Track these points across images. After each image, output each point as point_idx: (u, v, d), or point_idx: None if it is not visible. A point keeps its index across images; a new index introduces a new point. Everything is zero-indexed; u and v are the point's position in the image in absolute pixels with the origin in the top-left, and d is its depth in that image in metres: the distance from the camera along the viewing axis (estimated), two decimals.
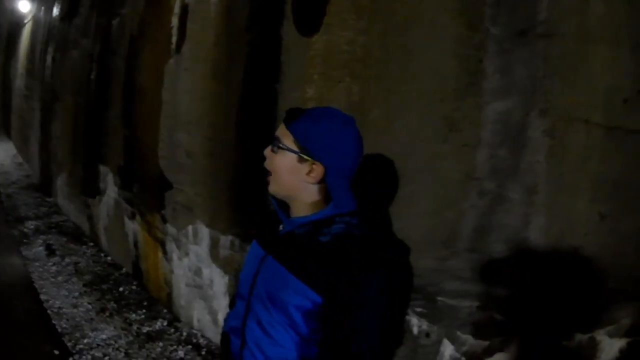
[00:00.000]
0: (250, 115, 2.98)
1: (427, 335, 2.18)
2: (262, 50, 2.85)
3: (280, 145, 1.41)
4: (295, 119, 1.42)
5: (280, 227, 1.54)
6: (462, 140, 1.97)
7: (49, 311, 4.46)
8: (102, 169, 5.56)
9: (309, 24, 2.50)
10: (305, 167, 1.40)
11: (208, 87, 3.35)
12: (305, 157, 1.39)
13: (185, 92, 3.65)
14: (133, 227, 4.86)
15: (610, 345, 1.95)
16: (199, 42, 3.49)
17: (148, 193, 4.40)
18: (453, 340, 2.12)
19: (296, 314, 1.39)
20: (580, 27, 1.77)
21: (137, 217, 4.71)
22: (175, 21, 3.83)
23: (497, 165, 1.91)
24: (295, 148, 1.40)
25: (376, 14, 2.22)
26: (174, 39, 3.83)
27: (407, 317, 2.23)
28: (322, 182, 1.42)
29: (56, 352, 3.80)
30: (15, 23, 14.33)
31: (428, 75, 2.06)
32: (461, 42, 1.96)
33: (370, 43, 2.24)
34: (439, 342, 2.15)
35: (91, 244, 6.20)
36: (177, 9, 3.81)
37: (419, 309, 2.20)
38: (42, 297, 4.76)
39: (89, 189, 6.02)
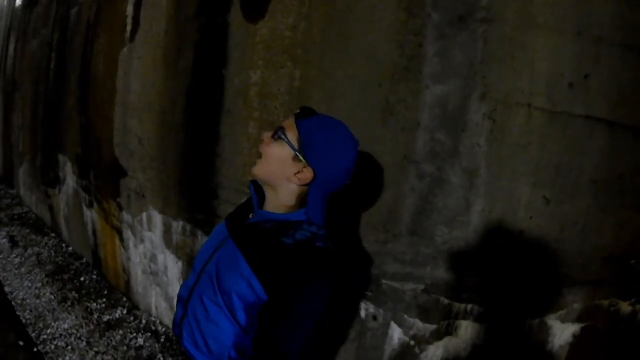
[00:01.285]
0: (198, 101, 2.94)
1: (374, 318, 2.17)
2: (210, 37, 2.80)
3: (282, 135, 1.41)
4: (307, 117, 1.42)
5: (250, 215, 1.57)
6: (400, 123, 1.95)
7: (13, 302, 4.43)
8: (61, 158, 5.46)
9: (254, 10, 2.46)
10: (295, 167, 1.40)
11: (158, 74, 3.30)
12: (300, 157, 1.38)
13: (137, 79, 3.58)
14: (91, 215, 4.80)
15: (561, 330, 1.95)
16: (151, 30, 3.43)
17: (104, 181, 4.34)
18: (400, 324, 2.11)
19: (237, 300, 1.41)
20: (522, 13, 1.75)
21: (95, 205, 4.65)
22: (130, 10, 3.76)
23: (436, 149, 1.90)
24: (295, 144, 1.39)
25: None
26: (128, 28, 3.76)
27: None
28: (304, 186, 1.42)
29: (21, 342, 3.77)
30: None
31: (366, 60, 2.03)
32: (400, 28, 1.93)
33: (311, 28, 2.21)
34: (386, 325, 2.14)
35: (53, 234, 6.14)
36: None
37: (365, 292, 2.19)
38: (6, 288, 4.72)
39: (49, 179, 5.91)
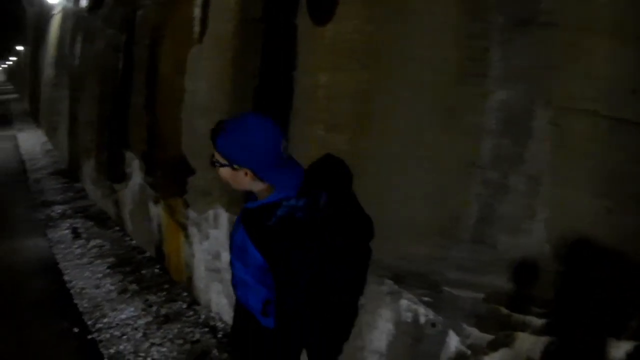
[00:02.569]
0: (267, 103, 3.01)
1: (433, 325, 2.20)
2: (277, 39, 2.88)
3: (216, 162, 1.72)
4: (216, 136, 1.68)
5: (249, 202, 1.87)
6: (464, 128, 1.97)
7: (71, 291, 4.59)
8: (128, 154, 5.63)
9: (321, 13, 2.53)
10: (240, 173, 1.70)
11: (227, 75, 3.39)
12: (235, 167, 1.68)
13: (206, 81, 3.69)
14: (157, 211, 4.92)
15: (617, 348, 1.86)
16: (218, 32, 3.53)
17: (171, 178, 4.43)
18: (458, 332, 2.12)
19: (255, 270, 1.78)
20: (584, 17, 1.73)
21: (161, 202, 4.76)
22: (197, 12, 3.87)
23: (500, 155, 1.91)
24: (225, 162, 1.70)
25: (380, 1, 2.24)
26: (196, 29, 3.87)
27: (415, 306, 2.25)
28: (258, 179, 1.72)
29: (75, 329, 3.91)
30: (43, 15, 14.61)
31: (430, 63, 2.06)
32: (463, 31, 1.96)
33: (375, 31, 2.25)
34: (444, 333, 2.17)
35: (117, 228, 6.28)
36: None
37: (425, 298, 2.21)
38: (65, 277, 4.90)
39: (115, 175, 6.09)
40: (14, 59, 45.34)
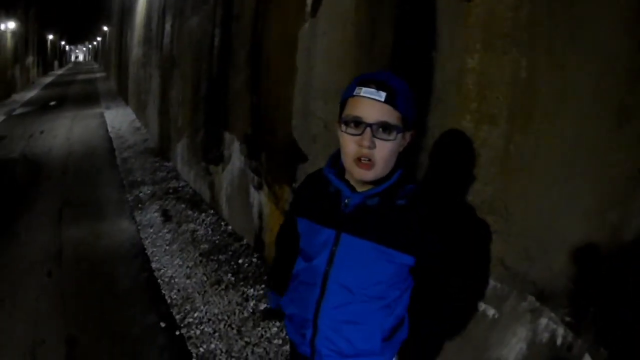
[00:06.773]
0: None
1: (569, 348, 2.04)
2: (412, 13, 2.71)
3: (394, 128, 1.44)
4: (392, 90, 1.42)
5: (346, 201, 1.56)
6: (636, 131, 1.77)
7: (159, 280, 4.58)
8: (227, 136, 5.66)
9: None
10: (402, 141, 1.50)
11: (350, 54, 3.27)
12: (406, 129, 1.49)
13: (323, 59, 3.62)
14: (259, 197, 4.88)
15: None
16: (337, 4, 3.44)
17: (278, 164, 4.40)
18: (594, 357, 1.95)
19: (389, 282, 1.55)
20: None
21: (264, 188, 4.72)
22: None
23: None
24: (401, 124, 1.45)
25: None
26: (308, 1, 3.81)
27: (554, 326, 2.10)
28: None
29: (162, 324, 3.88)
30: None
31: (598, 52, 1.86)
32: (635, 17, 1.75)
33: (536, 10, 2.06)
34: (579, 357, 2.01)
35: (211, 211, 6.24)
36: None
37: (568, 319, 2.05)
38: (153, 265, 4.92)
39: (212, 156, 6.15)
40: (99, 39, 48.68)
